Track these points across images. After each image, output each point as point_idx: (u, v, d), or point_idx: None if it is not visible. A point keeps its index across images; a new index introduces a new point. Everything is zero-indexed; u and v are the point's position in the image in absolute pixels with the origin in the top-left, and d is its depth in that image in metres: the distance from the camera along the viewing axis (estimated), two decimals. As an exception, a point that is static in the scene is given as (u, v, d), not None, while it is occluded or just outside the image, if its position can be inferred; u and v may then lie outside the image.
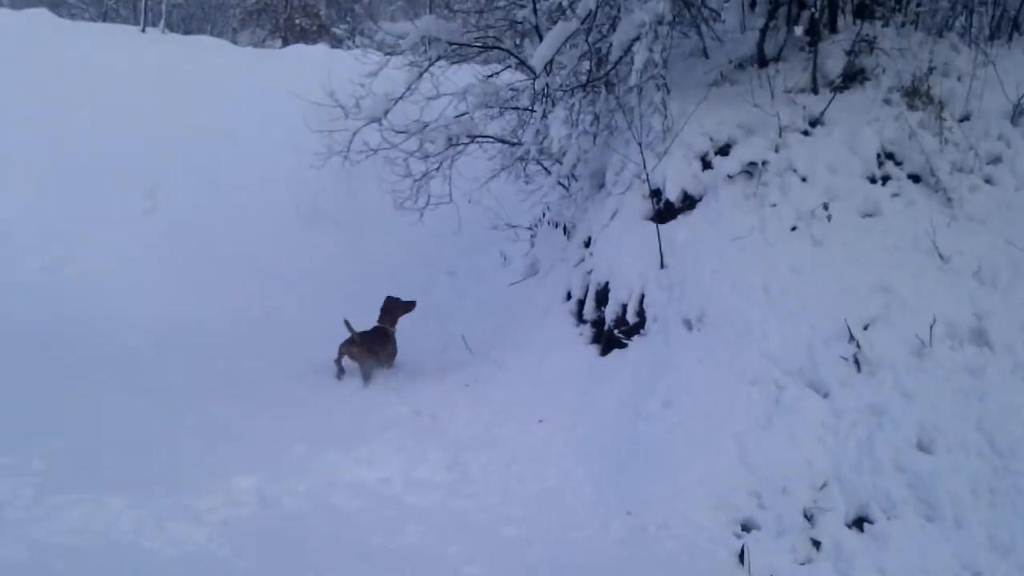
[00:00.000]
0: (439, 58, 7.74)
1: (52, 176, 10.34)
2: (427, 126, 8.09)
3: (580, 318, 6.88)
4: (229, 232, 10.16)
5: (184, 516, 4.39)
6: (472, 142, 8.31)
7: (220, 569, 3.95)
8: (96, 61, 12.60)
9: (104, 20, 23.63)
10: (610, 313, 6.52)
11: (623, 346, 6.31)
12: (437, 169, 8.21)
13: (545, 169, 8.37)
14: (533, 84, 7.40)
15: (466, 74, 8.56)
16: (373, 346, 7.39)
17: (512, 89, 8.27)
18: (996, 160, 6.23)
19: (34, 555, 3.83)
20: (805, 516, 4.58)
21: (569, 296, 7.10)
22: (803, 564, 4.37)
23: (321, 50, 14.99)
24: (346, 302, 8.00)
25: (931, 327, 5.10)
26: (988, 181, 6.15)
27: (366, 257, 9.95)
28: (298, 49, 15.63)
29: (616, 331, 6.41)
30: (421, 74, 7.77)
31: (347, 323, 7.26)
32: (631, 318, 6.36)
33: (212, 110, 12.06)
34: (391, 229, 9.19)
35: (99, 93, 11.92)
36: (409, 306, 7.88)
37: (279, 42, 23.69)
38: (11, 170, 10.25)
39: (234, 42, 20.70)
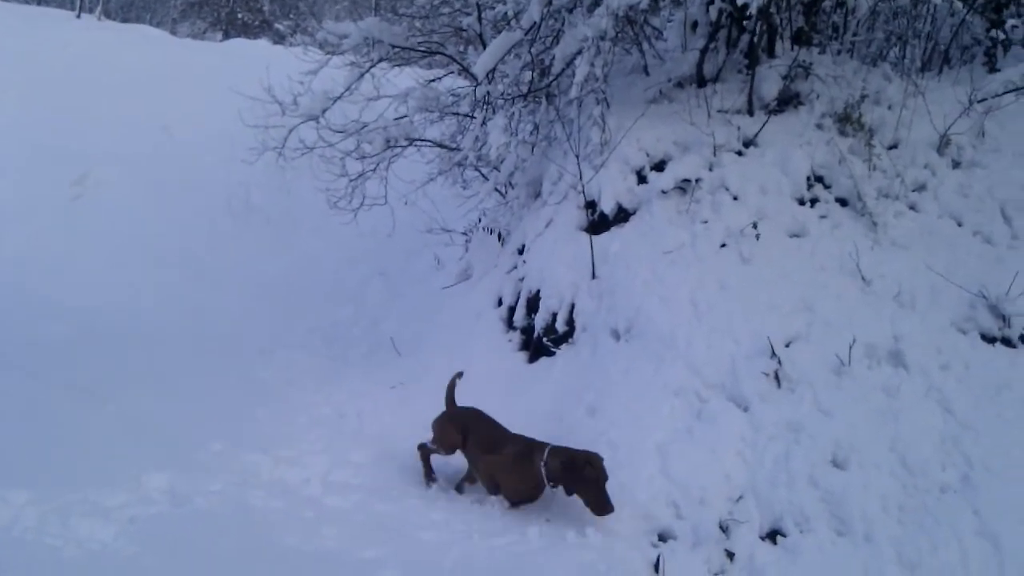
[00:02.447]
0: (381, 60, 7.70)
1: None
2: (366, 127, 8.02)
3: (510, 325, 6.88)
4: (159, 223, 9.95)
5: (90, 513, 4.21)
6: (410, 145, 8.28)
7: (125, 569, 3.80)
8: (27, 45, 12.25)
9: (38, 3, 23.00)
10: (540, 321, 6.54)
11: (551, 354, 6.33)
12: (374, 170, 8.16)
13: (482, 175, 8.38)
14: (474, 91, 7.41)
15: (407, 77, 8.53)
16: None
17: (453, 95, 8.27)
18: (921, 188, 6.41)
19: (-71, 550, 3.67)
20: (721, 528, 4.63)
21: (500, 302, 7.10)
22: (717, 575, 4.41)
23: (262, 45, 14.85)
24: (276, 300, 7.89)
25: (850, 347, 5.21)
26: (912, 208, 6.33)
27: (298, 255, 9.83)
28: (238, 43, 15.45)
29: (545, 339, 6.43)
30: (362, 75, 7.72)
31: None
32: (561, 326, 6.39)
33: (147, 100, 11.82)
34: (324, 228, 9.11)
35: (28, 77, 11.59)
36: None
37: (220, 35, 23.34)
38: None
39: (173, 33, 20.34)
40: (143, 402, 6.07)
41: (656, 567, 4.45)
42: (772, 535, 4.57)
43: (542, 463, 4.82)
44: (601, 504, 4.59)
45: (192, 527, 4.32)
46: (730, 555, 4.50)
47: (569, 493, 4.70)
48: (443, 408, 5.60)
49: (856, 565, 4.30)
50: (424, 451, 5.45)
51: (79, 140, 10.80)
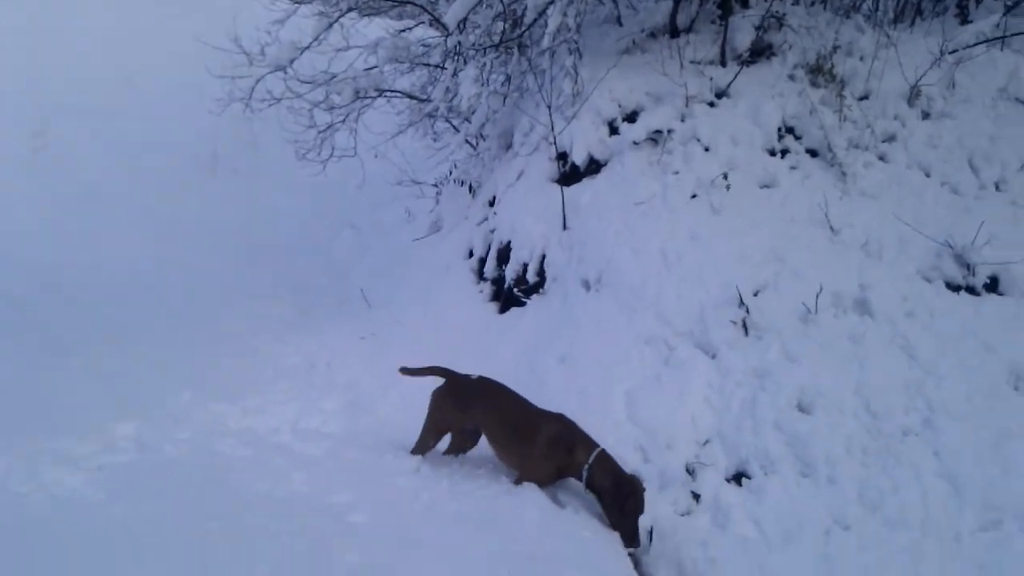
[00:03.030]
0: (350, 10, 7.59)
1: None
2: (335, 77, 7.91)
3: (481, 276, 6.87)
4: (123, 176, 9.78)
5: (58, 461, 4.17)
6: (380, 96, 8.17)
7: (93, 515, 3.76)
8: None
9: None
10: (511, 272, 6.53)
11: (522, 305, 6.33)
12: (343, 121, 8.05)
13: (453, 127, 8.30)
14: (445, 41, 7.31)
15: (377, 28, 8.41)
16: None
17: (424, 45, 8.16)
18: (891, 139, 6.44)
19: None
20: (687, 471, 4.69)
21: (471, 254, 7.08)
22: (683, 515, 4.49)
23: (229, -4, 14.49)
24: (244, 252, 7.80)
25: (818, 295, 5.25)
26: (882, 158, 6.36)
27: (266, 207, 9.71)
28: (205, -7, 15.07)
29: (516, 289, 6.42)
30: (331, 24, 7.58)
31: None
32: (531, 277, 6.38)
33: (109, 51, 11.55)
34: (293, 181, 8.99)
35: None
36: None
37: (187, -13, 22.79)
38: None
39: (139, -16, 19.85)
40: (109, 354, 6.02)
41: (624, 509, 4.51)
42: (737, 477, 4.64)
43: (586, 465, 4.42)
44: (632, 536, 4.29)
45: (161, 475, 4.30)
46: (696, 496, 4.57)
47: (603, 507, 4.42)
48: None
49: (819, 505, 4.38)
50: (418, 450, 4.87)
51: (39, 92, 10.55)
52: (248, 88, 7.70)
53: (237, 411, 5.28)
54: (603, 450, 4.45)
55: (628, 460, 4.70)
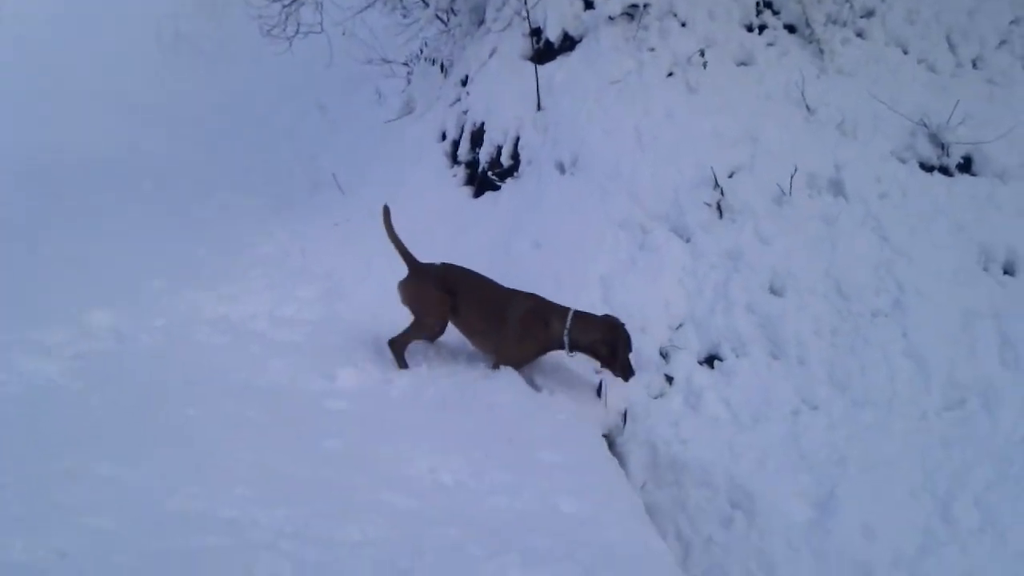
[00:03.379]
0: None
1: None
2: (298, -53, 7.56)
3: (455, 159, 6.76)
4: (82, 56, 9.47)
5: (33, 350, 4.18)
6: (347, -34, 7.84)
7: (72, 403, 3.79)
8: None
9: None
10: (484, 155, 6.44)
11: (496, 188, 6.27)
12: (308, -6, 7.74)
13: (423, 1, 8.00)
14: (412, -94, 6.98)
15: None
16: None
17: (390, -90, 7.79)
18: (870, 14, 6.32)
19: None
20: (661, 354, 4.77)
21: (444, 136, 6.95)
22: (656, 398, 4.59)
23: None
24: (210, 135, 7.63)
25: (792, 177, 5.24)
26: (860, 35, 6.26)
27: (231, 88, 9.44)
28: None
29: (490, 173, 6.35)
30: None
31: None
32: (506, 160, 6.30)
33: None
34: (258, 59, 8.72)
35: None
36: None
37: None
38: None
39: None
40: (78, 242, 5.95)
41: (598, 391, 4.61)
42: (710, 360, 4.73)
43: (565, 330, 4.49)
44: (627, 369, 4.50)
45: (138, 363, 4.33)
46: (669, 379, 4.67)
47: (597, 358, 4.58)
48: (399, 261, 4.84)
49: (788, 386, 4.49)
50: (400, 343, 4.72)
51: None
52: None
53: (212, 299, 5.25)
54: (575, 310, 4.56)
55: (602, 343, 4.76)
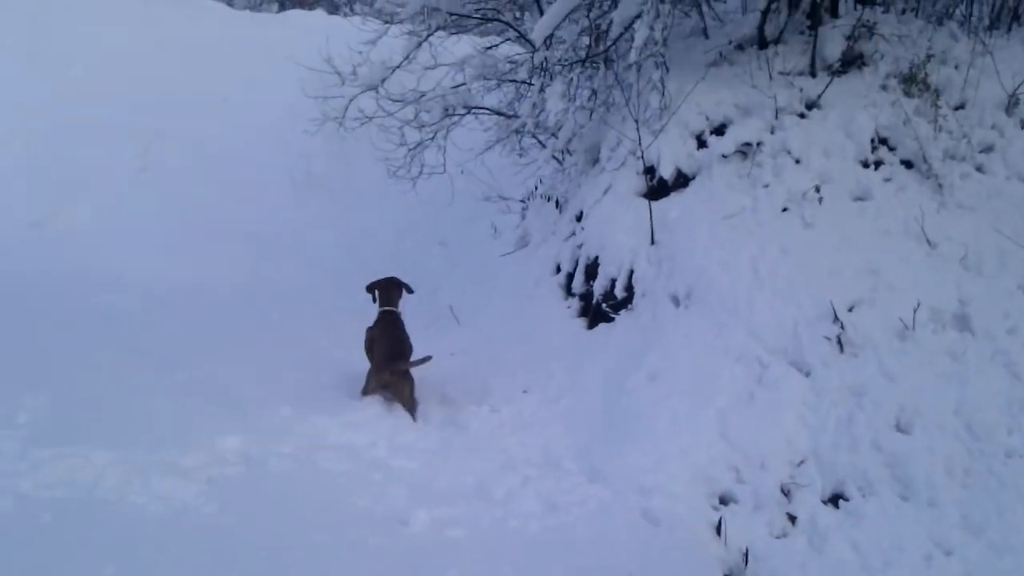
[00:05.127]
0: (438, 28, 7.75)
1: (42, 132, 10.29)
2: (424, 95, 8.08)
3: (569, 291, 6.92)
4: (221, 195, 10.14)
5: (170, 473, 4.37)
6: (468, 113, 8.31)
7: (206, 526, 3.96)
8: (92, 19, 12.51)
9: (100, -22, 23.36)
10: (599, 287, 6.57)
11: (610, 320, 6.36)
12: (432, 139, 8.22)
13: (540, 142, 8.37)
14: (532, 58, 7.40)
15: (465, 45, 8.55)
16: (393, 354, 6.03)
17: (510, 62, 8.27)
18: (988, 149, 6.28)
19: (21, 507, 3.81)
20: (782, 491, 4.66)
21: (559, 269, 7.14)
22: (778, 538, 4.45)
23: (319, 16, 14.93)
24: (335, 268, 8.01)
25: (915, 311, 5.16)
26: (979, 169, 6.20)
27: (358, 225, 9.94)
28: (296, 14, 15.57)
29: (604, 305, 6.45)
30: (420, 44, 7.77)
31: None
32: (619, 292, 6.41)
33: (207, 73, 12.00)
34: (383, 197, 9.20)
35: (93, 51, 11.85)
36: (406, 289, 6.71)
37: (276, 6, 23.50)
38: (1, 125, 10.20)
39: (230, 5, 20.53)
40: (212, 368, 6.24)
41: (718, 529, 4.50)
42: (834, 499, 4.58)
43: None
44: None
45: (267, 488, 4.48)
46: (792, 518, 4.53)
47: None
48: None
49: (920, 529, 4.30)
50: None
51: (142, 113, 11.02)
52: (341, 107, 7.94)
53: (336, 426, 5.43)
54: None
55: (721, 479, 4.70)
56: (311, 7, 18.67)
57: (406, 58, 7.75)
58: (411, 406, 5.87)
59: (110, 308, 7.34)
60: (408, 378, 5.91)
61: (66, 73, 11.27)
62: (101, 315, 7.09)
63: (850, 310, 5.36)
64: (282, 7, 22.16)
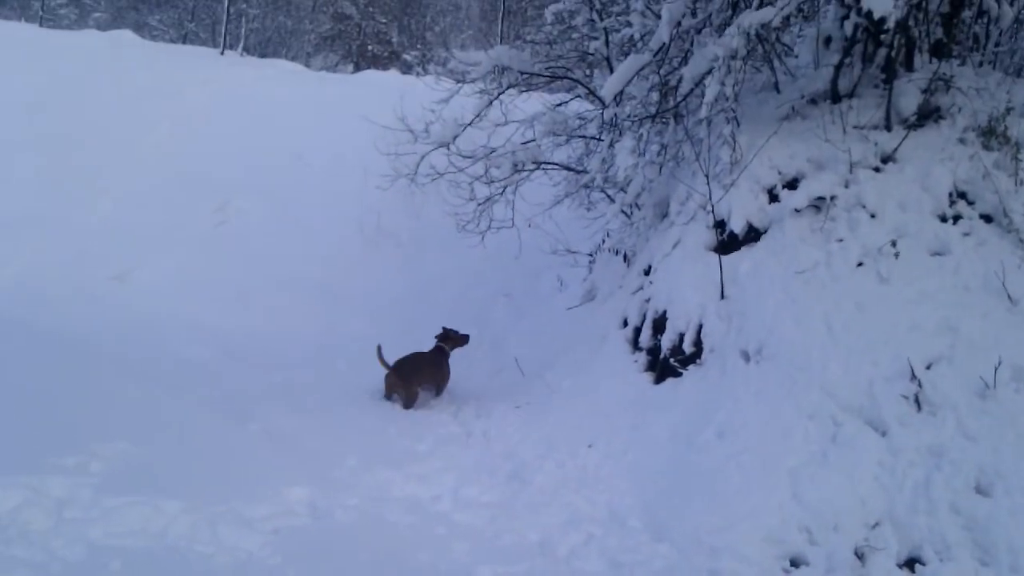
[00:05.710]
0: (510, 87, 7.88)
1: (127, 189, 10.76)
2: (494, 151, 8.22)
3: (636, 345, 6.85)
4: (295, 248, 10.41)
5: (237, 523, 4.44)
6: (537, 168, 8.40)
7: (271, 577, 4.00)
8: (176, 81, 13.07)
9: (184, 42, 24.46)
10: (667, 342, 6.49)
11: (678, 375, 6.27)
12: (501, 194, 8.32)
13: (609, 197, 8.41)
14: (602, 114, 7.48)
15: (535, 102, 8.69)
16: (413, 375, 7.27)
17: (580, 118, 8.36)
18: (1071, 203, 6.07)
19: (92, 555, 3.90)
20: (856, 554, 4.47)
21: (626, 323, 7.08)
22: (854, 603, 4.28)
23: (392, 76, 15.37)
24: (405, 320, 8.13)
25: (996, 369, 4.97)
26: (1062, 224, 5.99)
27: (426, 277, 10.09)
28: (370, 74, 16.02)
29: (672, 360, 6.37)
30: (491, 102, 7.92)
31: (379, 352, 7.28)
32: (688, 347, 6.32)
33: (284, 130, 12.41)
34: (452, 250, 9.34)
35: (177, 111, 12.36)
36: (463, 340, 7.81)
37: (351, 67, 24.25)
38: (88, 183, 10.66)
39: (308, 66, 21.23)
40: (281, 419, 6.35)
41: (790, 591, 4.36)
42: (910, 563, 4.38)
43: None
44: None
45: (332, 540, 4.51)
46: (867, 583, 4.35)
47: None
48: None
49: (1004, 598, 4.09)
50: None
51: (221, 169, 11.45)
52: (412, 164, 8.10)
53: (401, 478, 5.46)
54: None
55: (792, 541, 4.54)
56: (385, 67, 19.20)
57: (477, 116, 7.90)
58: (407, 406, 7.14)
59: (185, 358, 7.55)
60: (410, 386, 7.19)
61: (151, 133, 11.77)
62: (178, 365, 7.29)
63: (928, 368, 5.19)
64: (357, 68, 22.83)
